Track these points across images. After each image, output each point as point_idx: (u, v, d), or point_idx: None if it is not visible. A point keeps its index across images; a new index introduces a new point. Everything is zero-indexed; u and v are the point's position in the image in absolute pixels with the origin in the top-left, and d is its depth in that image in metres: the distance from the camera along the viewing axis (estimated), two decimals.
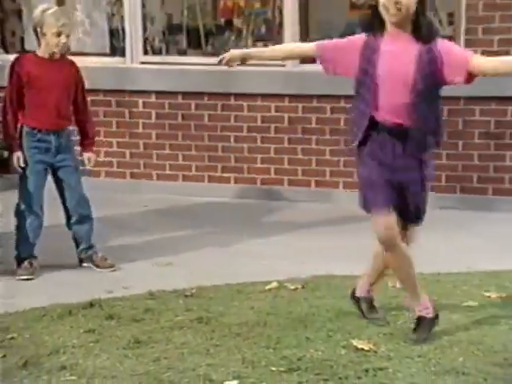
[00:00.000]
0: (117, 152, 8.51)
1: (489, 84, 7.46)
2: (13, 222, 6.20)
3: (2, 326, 4.83)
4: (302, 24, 8.39)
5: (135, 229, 7.17)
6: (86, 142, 5.95)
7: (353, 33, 11.50)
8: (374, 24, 4.44)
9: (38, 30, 5.59)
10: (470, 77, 4.34)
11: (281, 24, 8.50)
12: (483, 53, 7.44)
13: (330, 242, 6.81)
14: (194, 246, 6.74)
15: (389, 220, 4.38)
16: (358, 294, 5.00)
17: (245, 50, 5.03)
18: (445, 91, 7.51)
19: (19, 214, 5.84)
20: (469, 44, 7.56)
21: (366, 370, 4.08)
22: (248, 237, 6.94)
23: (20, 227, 5.85)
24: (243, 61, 4.78)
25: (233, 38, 11.16)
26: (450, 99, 7.58)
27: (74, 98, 5.77)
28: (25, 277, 5.76)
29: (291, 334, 4.67)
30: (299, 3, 8.14)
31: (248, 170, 8.20)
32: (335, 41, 4.66)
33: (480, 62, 4.34)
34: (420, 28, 4.35)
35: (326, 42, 4.60)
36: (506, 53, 7.46)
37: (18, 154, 5.65)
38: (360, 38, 4.52)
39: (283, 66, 8.12)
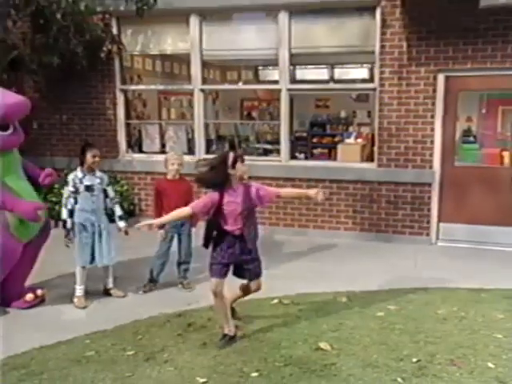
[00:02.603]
0: None
1: (390, 175, 7.58)
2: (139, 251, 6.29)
3: (134, 330, 4.68)
4: (290, 114, 8.29)
5: (201, 256, 6.52)
6: (193, 221, 5.71)
7: (316, 120, 11.49)
8: None
9: (165, 165, 5.68)
10: None
11: (278, 114, 8.28)
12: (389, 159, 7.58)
13: (305, 267, 6.49)
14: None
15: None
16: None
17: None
18: (368, 177, 7.60)
19: (156, 257, 5.71)
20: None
21: (325, 365, 4.00)
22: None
23: (155, 263, 5.71)
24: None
25: (250, 124, 11.28)
26: (371, 183, 7.69)
27: (187, 199, 5.52)
28: (141, 292, 5.64)
29: (285, 337, 4.47)
30: (289, 104, 8.08)
31: (260, 217, 8.23)
32: None
33: None
34: None
35: None
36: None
37: (160, 231, 5.61)
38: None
39: (280, 161, 8.18)
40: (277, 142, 8.56)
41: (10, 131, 4.89)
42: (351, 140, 9.22)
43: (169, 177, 5.68)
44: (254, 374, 3.89)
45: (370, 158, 8.17)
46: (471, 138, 7.59)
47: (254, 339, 4.49)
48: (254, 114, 12.58)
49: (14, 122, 4.96)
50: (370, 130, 9.49)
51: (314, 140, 11.12)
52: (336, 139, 10.31)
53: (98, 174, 5.48)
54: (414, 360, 4.10)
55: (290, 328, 4.69)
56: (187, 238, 5.76)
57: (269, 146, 9.78)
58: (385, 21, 7.32)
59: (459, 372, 3.94)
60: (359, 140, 9.18)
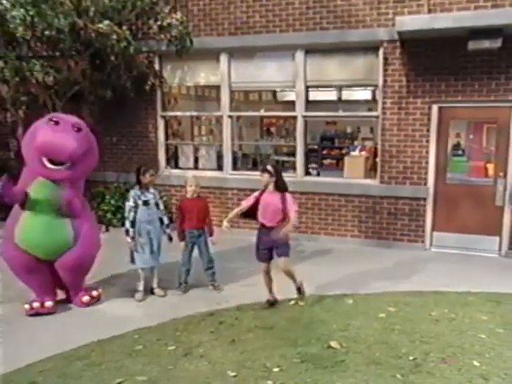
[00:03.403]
0: (216, 216, 8.52)
1: (390, 191, 7.62)
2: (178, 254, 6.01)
3: (174, 327, 4.70)
4: (305, 130, 8.24)
5: (229, 260, 6.71)
6: (209, 232, 5.79)
7: (326, 134, 11.46)
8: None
9: (185, 186, 5.80)
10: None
11: (294, 129, 8.34)
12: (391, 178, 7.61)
13: (317, 271, 6.35)
14: (256, 272, 5.85)
15: None
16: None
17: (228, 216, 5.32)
18: (371, 192, 7.64)
19: (181, 265, 5.78)
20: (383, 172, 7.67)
21: (336, 362, 4.01)
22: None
23: (180, 270, 5.78)
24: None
25: (270, 138, 11.24)
26: (374, 197, 7.73)
27: (204, 214, 5.75)
28: (179, 293, 5.70)
29: (301, 335, 4.48)
30: (304, 122, 8.10)
31: None
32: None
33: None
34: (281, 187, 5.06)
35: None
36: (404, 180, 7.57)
37: (182, 243, 5.73)
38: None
39: (295, 177, 8.22)
40: (292, 154, 8.59)
41: (64, 166, 4.76)
42: (356, 153, 9.27)
43: (188, 196, 5.77)
44: (276, 370, 3.94)
45: (373, 168, 8.24)
46: (460, 152, 7.58)
47: (274, 337, 4.52)
48: (273, 129, 12.58)
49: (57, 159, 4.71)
50: (372, 143, 9.52)
51: (324, 152, 11.13)
52: (343, 151, 10.33)
53: (151, 190, 5.66)
54: (411, 358, 4.12)
55: (305, 327, 4.71)
56: (205, 247, 5.82)
57: (285, 158, 9.80)
58: (387, 59, 7.37)
59: (449, 369, 3.96)
60: (363, 153, 9.22)
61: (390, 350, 4.28)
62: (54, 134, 4.70)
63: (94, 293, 5.46)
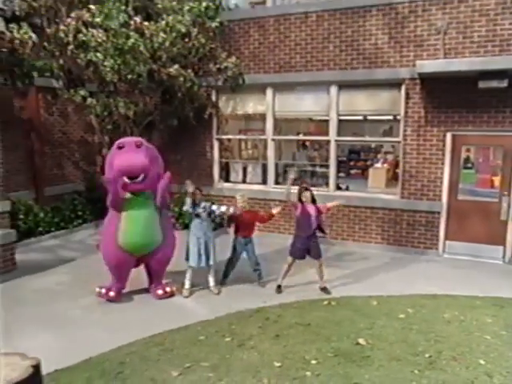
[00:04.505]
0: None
1: (410, 205, 7.62)
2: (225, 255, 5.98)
3: (228, 321, 4.77)
4: (336, 151, 8.19)
5: (272, 261, 6.58)
6: (268, 215, 5.95)
7: (353, 148, 11.35)
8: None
9: (236, 201, 5.89)
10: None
11: (327, 143, 8.33)
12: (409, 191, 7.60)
13: (346, 274, 6.35)
14: (295, 273, 5.94)
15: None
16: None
17: None
18: (393, 205, 7.63)
19: (228, 262, 5.89)
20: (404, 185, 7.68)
21: (363, 357, 4.04)
22: (311, 267, 5.78)
23: (226, 268, 5.92)
24: None
25: (305, 151, 11.22)
26: (395, 210, 7.74)
27: (253, 224, 5.86)
28: (216, 292, 5.70)
29: (334, 332, 4.50)
30: (336, 145, 8.10)
31: None
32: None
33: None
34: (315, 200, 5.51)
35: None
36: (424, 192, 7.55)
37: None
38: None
39: (328, 191, 8.27)
40: (325, 165, 8.58)
41: (139, 179, 4.96)
42: (379, 165, 9.30)
43: (238, 211, 5.86)
44: (313, 362, 4.02)
45: (394, 178, 8.33)
46: (469, 165, 7.48)
47: (311, 333, 4.59)
48: (307, 143, 12.57)
49: (137, 174, 4.91)
50: (393, 156, 9.49)
51: (351, 163, 11.18)
52: (368, 163, 10.36)
53: (202, 204, 5.72)
54: (427, 356, 4.13)
55: (337, 325, 4.75)
56: (252, 252, 5.94)
57: (318, 169, 9.79)
58: (408, 93, 7.38)
59: (459, 367, 3.98)
60: (385, 165, 9.25)
61: (408, 347, 4.29)
62: (125, 157, 4.88)
63: (168, 289, 5.61)
